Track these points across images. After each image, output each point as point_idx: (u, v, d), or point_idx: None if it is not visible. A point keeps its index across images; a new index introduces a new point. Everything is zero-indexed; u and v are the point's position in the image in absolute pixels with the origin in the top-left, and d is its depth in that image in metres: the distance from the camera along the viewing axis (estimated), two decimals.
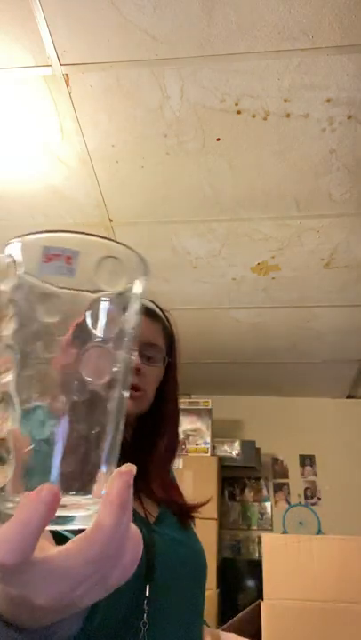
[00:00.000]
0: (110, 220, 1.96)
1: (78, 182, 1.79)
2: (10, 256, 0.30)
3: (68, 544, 0.29)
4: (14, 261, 0.29)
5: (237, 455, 3.14)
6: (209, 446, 3.01)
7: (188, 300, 2.46)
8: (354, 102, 1.45)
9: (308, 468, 3.36)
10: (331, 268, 2.15)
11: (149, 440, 0.90)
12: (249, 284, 2.30)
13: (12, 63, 1.41)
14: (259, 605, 1.65)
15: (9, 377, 0.29)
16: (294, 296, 2.37)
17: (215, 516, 2.82)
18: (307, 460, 3.38)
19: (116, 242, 0.31)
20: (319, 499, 3.26)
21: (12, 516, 0.27)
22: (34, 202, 1.89)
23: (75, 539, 0.29)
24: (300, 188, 1.75)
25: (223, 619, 2.44)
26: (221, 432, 3.24)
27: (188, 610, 0.76)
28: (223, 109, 1.50)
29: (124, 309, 0.32)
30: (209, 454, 2.99)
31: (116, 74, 1.42)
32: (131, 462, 0.30)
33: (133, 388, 0.83)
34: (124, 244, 0.31)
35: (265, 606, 1.64)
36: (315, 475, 3.33)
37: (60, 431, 0.28)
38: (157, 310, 0.95)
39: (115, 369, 0.30)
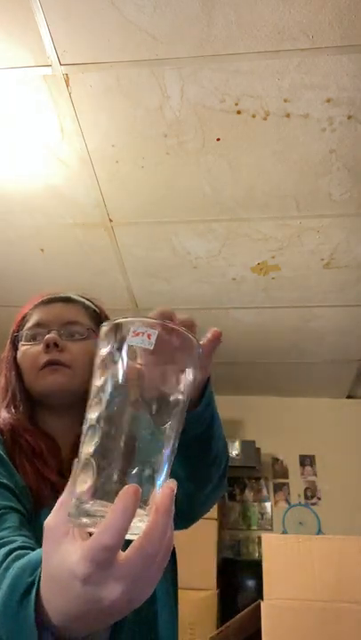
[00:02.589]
0: (110, 220, 1.96)
1: (78, 182, 1.79)
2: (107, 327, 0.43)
3: (129, 550, 0.36)
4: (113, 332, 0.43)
5: (237, 455, 3.14)
6: None
7: (188, 300, 2.46)
8: (354, 102, 1.45)
9: (308, 468, 3.35)
10: (331, 267, 2.15)
11: None
12: (249, 284, 2.30)
13: (12, 63, 1.41)
14: (259, 605, 1.65)
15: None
16: (294, 296, 2.37)
17: (215, 516, 2.82)
18: (307, 460, 3.37)
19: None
20: (319, 499, 3.25)
21: (93, 517, 0.36)
22: (34, 202, 1.89)
23: (134, 542, 0.36)
24: (300, 187, 1.75)
25: (223, 619, 2.43)
26: None
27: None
28: (223, 109, 1.50)
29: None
30: None
31: (116, 74, 1.42)
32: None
33: (51, 362, 0.82)
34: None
35: (265, 606, 1.63)
36: (315, 475, 3.33)
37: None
38: (72, 296, 0.95)
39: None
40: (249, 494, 3.35)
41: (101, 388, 0.41)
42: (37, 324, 0.88)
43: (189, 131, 1.57)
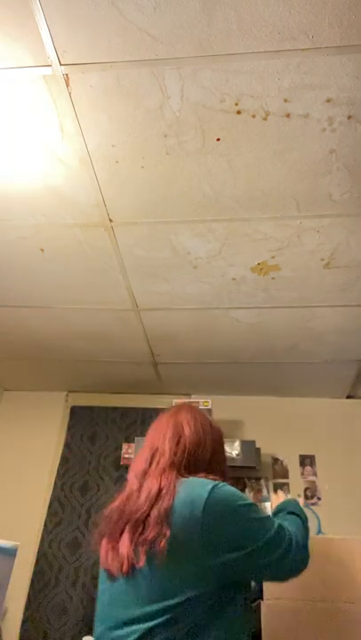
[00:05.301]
0: (110, 220, 1.96)
1: (78, 182, 1.79)
2: None
3: None
4: None
5: (237, 455, 3.13)
6: None
7: (188, 300, 2.46)
8: (354, 102, 1.45)
9: (308, 468, 3.35)
10: (331, 267, 2.15)
11: None
12: (249, 284, 2.30)
13: (12, 63, 1.41)
14: (259, 605, 1.65)
15: None
16: (294, 296, 2.37)
17: None
18: (307, 460, 3.37)
19: None
20: (319, 499, 3.25)
21: None
22: (34, 202, 1.89)
23: None
24: (300, 187, 1.75)
25: None
26: None
27: None
28: (223, 109, 1.50)
29: None
30: None
31: (116, 74, 1.42)
32: None
33: None
34: None
35: (265, 606, 1.63)
36: (315, 475, 3.33)
37: None
38: None
39: None
40: (249, 494, 3.34)
41: None
42: None
43: (189, 131, 1.57)
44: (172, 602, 1.07)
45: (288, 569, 1.24)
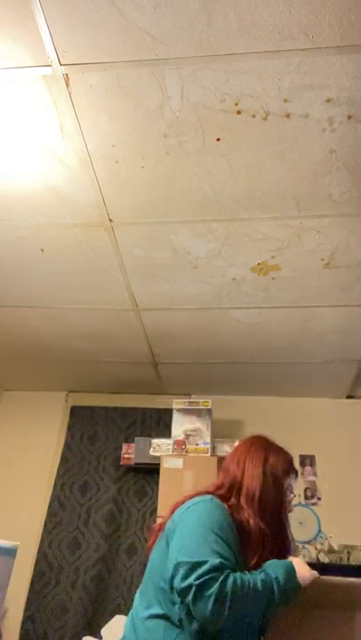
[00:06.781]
0: (110, 220, 1.96)
1: (78, 182, 1.79)
2: None
3: None
4: None
5: None
6: (209, 446, 3.00)
7: (188, 300, 2.46)
8: (354, 102, 1.45)
9: (308, 468, 3.35)
10: (331, 268, 2.15)
11: None
12: (249, 284, 2.30)
13: (12, 63, 1.41)
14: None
15: None
16: (294, 296, 2.37)
17: None
18: (307, 460, 3.37)
19: None
20: (319, 499, 3.25)
21: None
22: (34, 202, 1.89)
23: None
24: (300, 187, 1.75)
25: None
26: (221, 432, 3.24)
27: None
28: (223, 109, 1.50)
29: None
30: (209, 454, 2.99)
31: (116, 74, 1.42)
32: None
33: None
34: None
35: None
36: (315, 475, 3.33)
37: None
38: None
39: None
40: None
41: None
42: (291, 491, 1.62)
43: (189, 131, 1.57)
44: None
45: (194, 606, 1.17)
